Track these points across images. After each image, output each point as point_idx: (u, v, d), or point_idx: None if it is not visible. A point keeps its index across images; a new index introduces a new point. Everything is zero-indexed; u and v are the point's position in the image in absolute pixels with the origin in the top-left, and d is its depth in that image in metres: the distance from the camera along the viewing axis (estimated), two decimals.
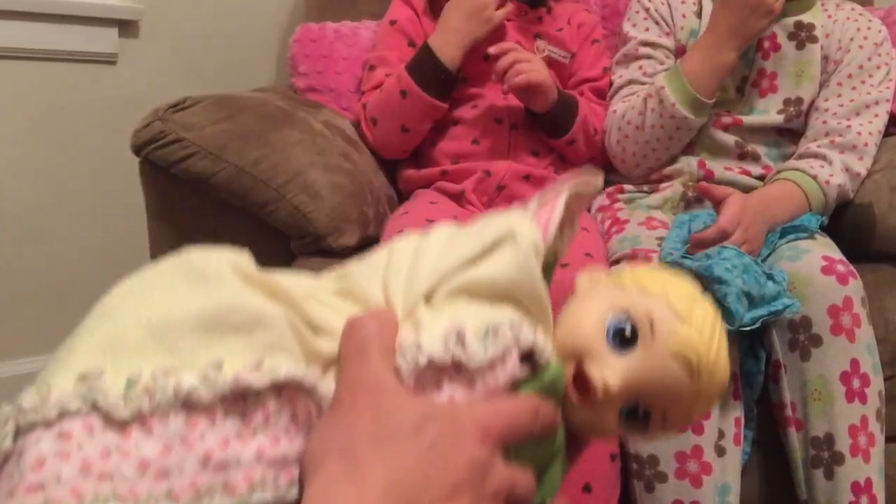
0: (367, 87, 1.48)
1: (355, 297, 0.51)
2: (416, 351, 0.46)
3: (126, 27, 1.86)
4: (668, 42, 1.49)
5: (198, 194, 1.18)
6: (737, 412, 1.14)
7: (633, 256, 1.19)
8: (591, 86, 1.51)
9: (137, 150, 1.17)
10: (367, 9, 1.70)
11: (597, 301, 0.53)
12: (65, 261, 1.86)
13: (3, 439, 0.39)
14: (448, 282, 0.50)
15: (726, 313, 1.07)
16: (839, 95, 1.40)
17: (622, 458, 1.14)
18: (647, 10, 1.51)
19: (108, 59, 1.86)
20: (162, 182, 1.19)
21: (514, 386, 0.49)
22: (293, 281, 0.50)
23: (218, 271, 0.45)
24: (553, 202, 0.55)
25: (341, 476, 0.41)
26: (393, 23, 1.52)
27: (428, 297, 0.50)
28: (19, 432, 0.40)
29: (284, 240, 1.21)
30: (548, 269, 0.54)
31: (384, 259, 0.52)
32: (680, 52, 1.48)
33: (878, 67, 1.41)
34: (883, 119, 1.39)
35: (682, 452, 1.10)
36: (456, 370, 0.47)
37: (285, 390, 0.44)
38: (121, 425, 0.40)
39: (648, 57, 1.48)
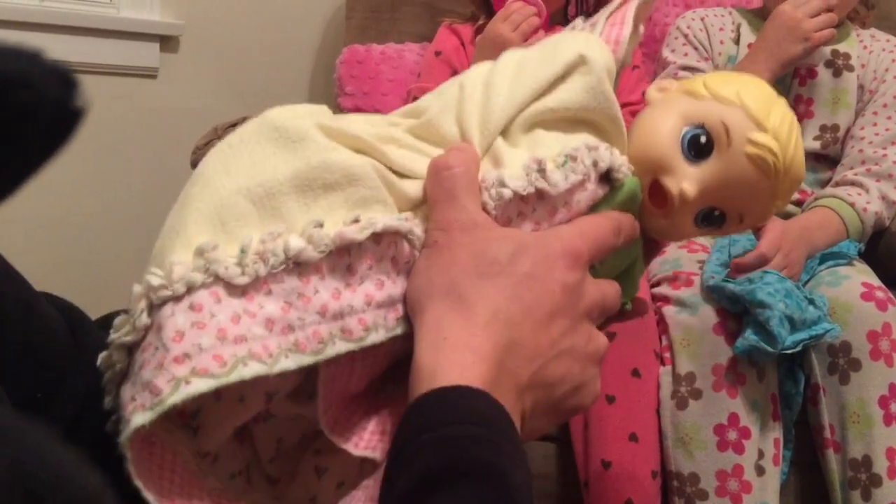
0: None
1: (431, 135, 0.52)
2: (500, 186, 0.48)
3: (167, 42, 1.91)
4: (707, 67, 1.52)
5: None
6: (776, 433, 1.16)
7: (674, 278, 1.21)
8: (631, 109, 1.54)
9: (196, 165, 1.20)
10: (409, 29, 1.74)
11: (670, 111, 0.53)
12: (104, 271, 1.89)
13: (140, 316, 0.42)
14: (523, 113, 0.51)
15: (769, 336, 1.09)
16: (875, 124, 1.43)
17: (663, 476, 1.16)
18: (685, 35, 1.54)
19: (149, 74, 1.90)
20: None
21: (594, 204, 0.51)
22: (370, 124, 0.51)
23: (302, 130, 0.46)
24: (621, 17, 0.56)
25: (449, 310, 0.44)
26: (438, 54, 1.55)
27: (504, 130, 0.51)
28: (152, 308, 0.42)
29: None
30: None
31: (456, 93, 0.53)
32: None
33: None
34: None
35: (722, 471, 1.12)
36: (539, 199, 0.49)
37: (384, 238, 0.46)
38: (242, 290, 0.42)
39: None
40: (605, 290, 0.50)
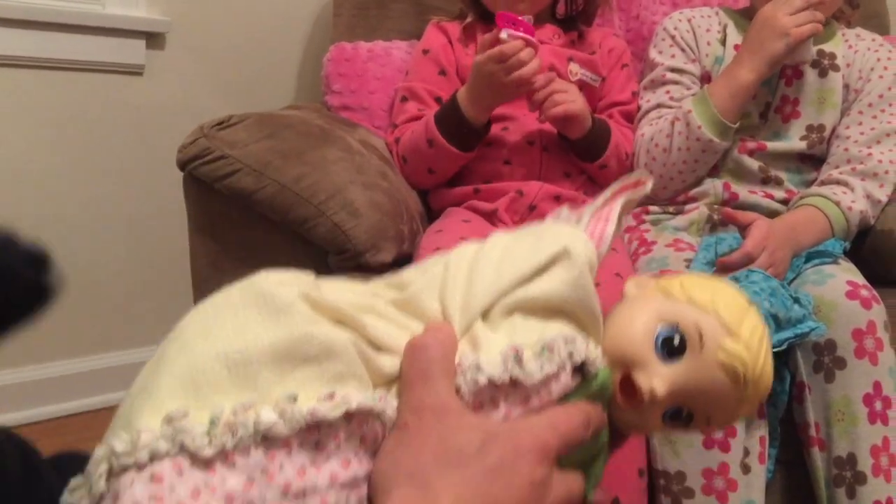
0: (399, 120, 1.50)
1: (413, 309, 0.52)
2: (476, 371, 0.48)
3: (153, 39, 1.91)
4: (694, 68, 1.53)
5: (239, 209, 1.20)
6: (762, 431, 1.17)
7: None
8: (621, 109, 1.54)
9: (183, 165, 1.19)
10: (397, 26, 1.74)
11: (645, 309, 0.55)
12: (90, 266, 1.88)
13: (98, 481, 0.41)
14: (504, 299, 0.52)
15: None
16: (860, 124, 1.43)
17: (649, 474, 1.17)
18: (672, 37, 1.55)
19: (136, 70, 1.90)
20: (205, 197, 1.22)
21: (566, 394, 0.51)
22: (353, 293, 0.52)
23: (288, 301, 0.47)
24: (607, 214, 0.57)
25: (412, 498, 0.43)
26: (426, 52, 1.54)
27: (484, 313, 0.52)
28: (112, 474, 0.41)
29: (322, 255, 1.23)
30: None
31: (441, 271, 0.54)
32: (705, 78, 1.51)
33: None
34: None
35: (708, 469, 1.13)
36: (513, 387, 0.49)
37: (356, 417, 0.46)
38: (207, 462, 0.42)
39: (675, 82, 1.51)
40: (571, 485, 0.50)
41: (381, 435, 0.47)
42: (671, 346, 0.53)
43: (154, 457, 0.41)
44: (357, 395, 0.45)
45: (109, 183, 1.89)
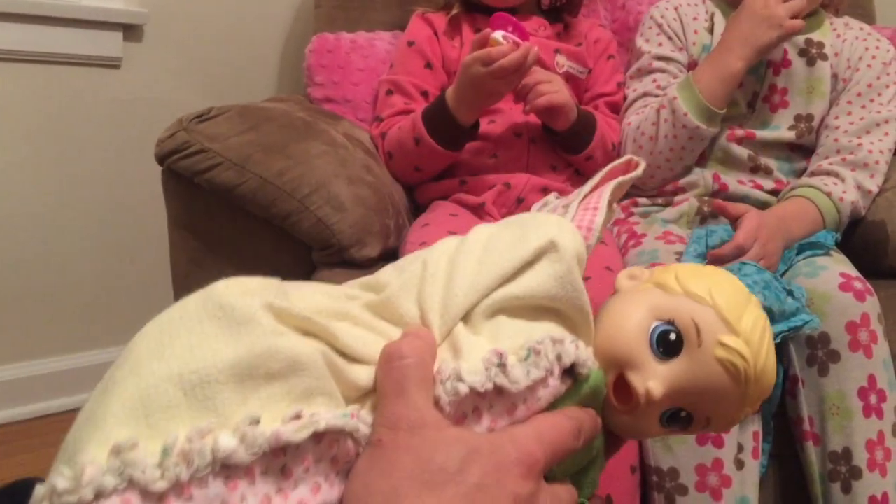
0: (385, 114, 1.47)
1: (390, 313, 0.49)
2: (456, 380, 0.45)
3: (131, 31, 1.87)
4: (681, 56, 1.51)
5: (220, 204, 1.18)
6: (755, 426, 1.15)
7: None
8: (607, 100, 1.53)
9: (161, 159, 1.16)
10: (378, 18, 1.71)
11: (639, 304, 0.52)
12: (69, 262, 1.86)
13: None
14: (487, 299, 0.48)
15: None
16: (849, 113, 1.42)
17: (642, 470, 1.15)
18: (659, 25, 1.53)
19: (113, 63, 1.86)
20: (185, 191, 1.19)
21: (556, 399, 0.48)
22: (325, 297, 0.48)
23: (250, 312, 0.42)
24: (595, 201, 0.54)
25: None
26: (411, 44, 1.51)
27: (466, 316, 0.48)
28: None
29: (306, 250, 1.21)
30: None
31: (419, 270, 0.50)
32: (692, 66, 1.50)
33: (888, 86, 1.43)
34: (893, 137, 1.41)
35: (702, 465, 1.11)
36: (497, 395, 0.46)
37: (326, 437, 0.42)
38: (159, 497, 0.38)
39: (662, 71, 1.49)
40: (560, 496, 0.47)
41: (354, 454, 0.44)
42: (667, 343, 0.50)
43: (100, 494, 0.37)
44: (326, 414, 0.41)
45: (86, 178, 1.86)
